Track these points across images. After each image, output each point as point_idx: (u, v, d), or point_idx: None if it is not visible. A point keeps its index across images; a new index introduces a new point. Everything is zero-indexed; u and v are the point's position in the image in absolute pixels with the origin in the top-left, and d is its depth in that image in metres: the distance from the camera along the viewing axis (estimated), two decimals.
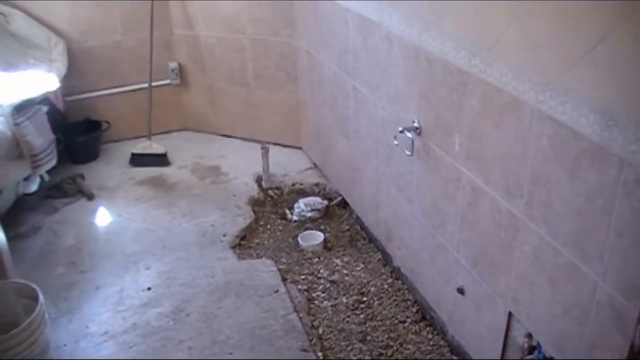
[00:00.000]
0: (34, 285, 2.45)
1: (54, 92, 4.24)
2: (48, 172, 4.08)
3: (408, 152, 3.01)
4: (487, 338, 2.69)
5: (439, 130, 2.75)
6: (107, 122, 5.03)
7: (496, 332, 2.60)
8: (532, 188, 2.16)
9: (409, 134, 2.96)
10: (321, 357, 2.98)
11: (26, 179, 3.83)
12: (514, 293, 2.40)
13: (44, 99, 4.04)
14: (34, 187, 3.93)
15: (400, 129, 2.98)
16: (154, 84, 4.96)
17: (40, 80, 4.12)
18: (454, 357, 3.01)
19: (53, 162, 3.88)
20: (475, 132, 2.45)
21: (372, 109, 3.43)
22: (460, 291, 2.82)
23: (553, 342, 2.22)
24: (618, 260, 1.84)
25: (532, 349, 2.44)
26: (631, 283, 1.81)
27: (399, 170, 3.24)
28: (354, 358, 3.03)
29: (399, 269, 3.54)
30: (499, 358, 2.63)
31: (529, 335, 2.42)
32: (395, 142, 3.10)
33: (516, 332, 2.50)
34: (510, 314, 2.49)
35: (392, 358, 3.04)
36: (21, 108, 3.61)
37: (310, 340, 3.06)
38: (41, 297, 2.40)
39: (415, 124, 2.94)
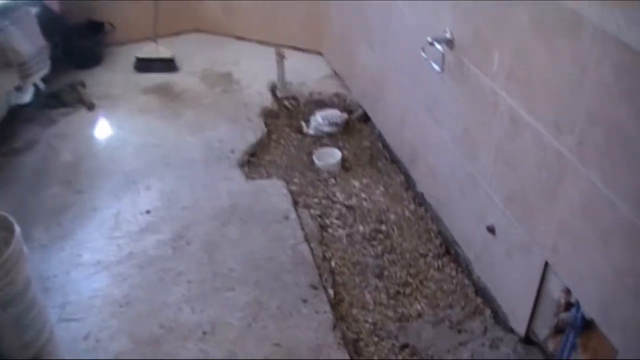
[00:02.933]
0: (10, 218, 2.16)
1: None
2: (45, 79, 3.73)
3: (437, 68, 2.61)
4: (518, 285, 2.37)
5: (475, 44, 2.33)
6: (111, 24, 4.59)
7: (529, 281, 2.28)
8: (587, 126, 1.77)
9: (439, 46, 2.54)
10: (332, 295, 2.70)
11: (18, 88, 3.48)
12: (554, 243, 2.06)
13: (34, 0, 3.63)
14: (27, 97, 3.58)
15: (429, 39, 2.55)
16: None
17: None
18: (479, 299, 2.71)
19: (45, 70, 3.53)
20: (521, 52, 2.04)
21: (400, 17, 2.99)
22: (491, 230, 2.48)
23: (598, 306, 1.89)
24: None
25: (569, 306, 2.13)
26: None
27: (428, 88, 2.84)
28: (369, 296, 2.75)
29: (422, 195, 3.20)
30: (530, 309, 2.32)
31: (567, 291, 2.10)
32: (424, 55, 2.69)
33: (552, 285, 2.18)
34: (546, 264, 2.16)
35: (411, 296, 2.75)
36: (4, 11, 3.22)
37: (321, 276, 2.77)
38: (18, 231, 2.11)
39: (448, 35, 2.52)
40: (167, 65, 4.44)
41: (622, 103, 1.61)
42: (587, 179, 1.82)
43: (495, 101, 2.26)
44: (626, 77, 1.58)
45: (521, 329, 2.42)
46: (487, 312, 2.64)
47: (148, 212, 3.14)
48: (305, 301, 2.63)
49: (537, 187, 2.09)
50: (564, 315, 2.13)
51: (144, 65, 4.43)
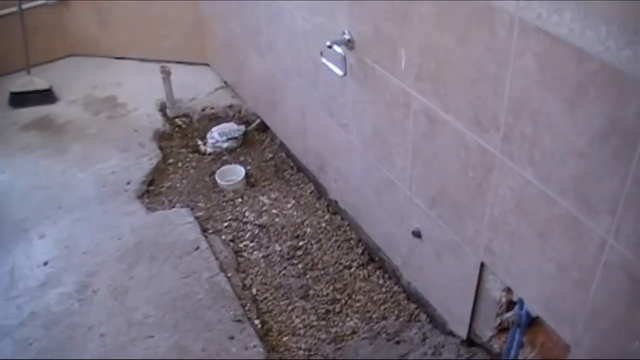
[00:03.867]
0: None
1: None
2: None
3: (339, 71, 2.47)
4: (454, 287, 2.28)
5: (377, 43, 2.21)
6: None
7: (465, 283, 2.19)
8: (512, 120, 1.68)
9: (338, 49, 2.40)
10: (259, 326, 2.52)
11: None
12: (488, 243, 1.97)
13: None
14: None
15: (328, 43, 2.40)
16: (25, 5, 4.10)
17: None
18: (413, 305, 2.61)
19: None
20: (430, 48, 1.92)
21: (290, 20, 2.82)
22: (417, 234, 2.38)
23: (543, 303, 1.81)
24: (638, 216, 1.40)
25: (511, 304, 2.05)
26: None
27: (329, 92, 2.69)
28: (297, 320, 2.59)
29: (336, 202, 3.06)
30: (469, 310, 2.23)
31: (508, 290, 2.02)
32: (323, 60, 2.54)
33: (490, 285, 2.10)
34: (482, 264, 2.06)
35: (341, 313, 2.61)
36: None
37: (244, 307, 2.58)
38: None
39: (346, 36, 2.38)
40: (45, 96, 4.05)
41: (548, 92, 1.52)
42: (517, 174, 1.73)
43: (406, 101, 2.14)
44: (551, 66, 1.48)
45: (462, 331, 2.33)
46: (423, 317, 2.54)
47: (45, 263, 2.83)
48: (232, 338, 2.44)
49: (464, 187, 1.99)
50: (507, 314, 2.04)
51: (19, 99, 4.02)
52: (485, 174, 1.86)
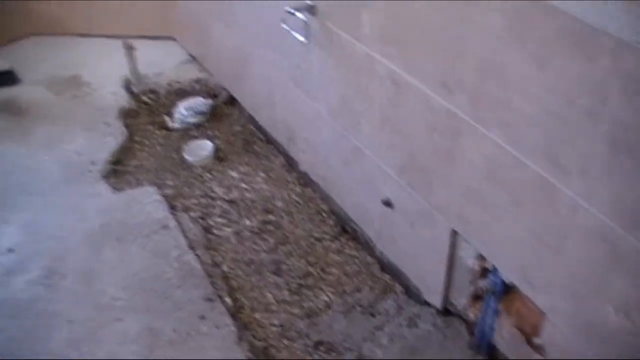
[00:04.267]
0: None
1: None
2: None
3: (302, 38, 2.38)
4: (427, 256, 2.23)
5: (340, 8, 2.12)
6: None
7: (437, 251, 2.14)
8: (478, 81, 1.61)
9: (300, 15, 2.31)
10: (230, 304, 2.45)
11: None
12: (460, 210, 1.91)
13: None
14: None
15: (288, 8, 2.31)
16: None
17: None
18: (387, 276, 2.56)
19: None
20: (392, 9, 1.84)
21: None
22: (387, 204, 2.31)
23: (518, 270, 1.77)
24: (609, 176, 1.34)
25: (485, 272, 2.00)
26: (631, 207, 1.33)
27: (294, 61, 2.60)
28: (270, 296, 2.52)
29: (307, 174, 2.99)
30: (443, 279, 2.19)
31: (481, 257, 1.97)
32: (285, 27, 2.45)
33: (464, 253, 2.05)
34: (454, 232, 2.01)
35: (314, 287, 2.55)
36: None
37: (214, 284, 2.51)
38: None
39: (308, 1, 2.29)
40: (6, 78, 3.89)
41: (515, 51, 1.45)
42: (487, 139, 1.67)
43: (371, 66, 2.06)
44: (518, 23, 1.41)
45: (437, 300, 2.29)
46: (398, 288, 2.49)
47: (11, 250, 2.72)
48: (202, 317, 2.37)
49: (432, 153, 1.92)
50: (481, 282, 2.00)
51: None
52: (453, 139, 1.80)
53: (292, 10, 2.29)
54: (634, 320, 1.43)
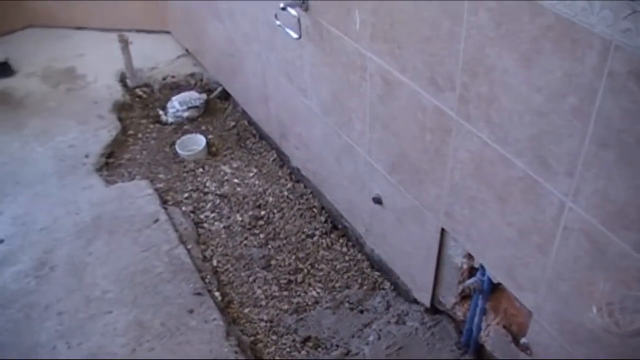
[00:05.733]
0: None
1: None
2: None
3: (294, 34, 2.37)
4: (416, 254, 2.23)
5: (332, 4, 2.11)
6: None
7: (426, 249, 2.14)
8: (467, 79, 1.60)
9: (292, 11, 2.30)
10: (219, 299, 2.45)
11: None
12: (448, 208, 1.91)
13: None
14: None
15: (281, 5, 2.30)
16: None
17: None
18: (376, 273, 2.56)
19: None
20: (383, 7, 1.83)
21: None
22: (378, 201, 2.31)
23: (504, 269, 1.77)
24: (596, 175, 1.34)
25: (472, 270, 2.00)
26: (617, 207, 1.33)
27: (287, 57, 2.60)
28: (259, 291, 2.53)
29: (298, 170, 2.99)
30: (432, 277, 2.19)
31: (469, 256, 1.97)
32: (278, 23, 2.44)
33: (452, 251, 2.05)
34: (443, 230, 2.01)
35: (304, 283, 2.55)
36: None
37: (204, 279, 2.51)
38: None
39: None
40: (1, 69, 3.89)
41: (503, 49, 1.45)
42: (474, 136, 1.66)
43: (362, 63, 2.06)
44: (505, 21, 1.41)
45: (425, 298, 2.29)
46: (387, 285, 2.50)
47: (1, 241, 2.73)
48: (191, 312, 2.37)
49: (422, 150, 1.92)
50: (468, 281, 1.99)
51: None
52: (443, 137, 1.79)
53: (285, 6, 2.28)
54: (618, 321, 1.43)
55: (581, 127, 1.32)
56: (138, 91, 3.76)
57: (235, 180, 3.06)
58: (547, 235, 1.55)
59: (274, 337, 2.36)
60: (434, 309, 2.29)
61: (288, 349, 2.31)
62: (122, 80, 3.80)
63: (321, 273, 2.59)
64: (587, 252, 1.45)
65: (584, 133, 1.32)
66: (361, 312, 2.41)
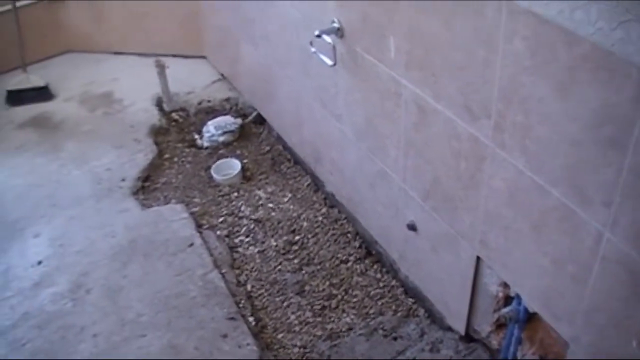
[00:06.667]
0: None
1: None
2: None
3: (329, 61, 2.39)
4: (451, 282, 2.21)
5: (367, 32, 2.13)
6: None
7: (461, 277, 2.12)
8: (502, 107, 1.60)
9: (328, 38, 2.33)
10: (253, 324, 2.46)
11: None
12: (483, 236, 1.90)
13: None
14: None
15: (316, 32, 2.33)
16: (19, 3, 4.03)
17: None
18: (410, 300, 2.54)
19: None
20: (417, 34, 1.85)
21: (282, 9, 2.75)
22: (412, 227, 2.30)
23: (540, 298, 1.74)
24: (635, 208, 1.32)
25: (508, 299, 1.97)
26: None
27: (321, 83, 2.62)
28: (293, 317, 2.53)
29: (333, 195, 2.99)
30: (467, 305, 2.17)
31: (505, 284, 1.95)
32: (313, 50, 2.47)
33: (487, 279, 2.02)
34: (478, 257, 1.99)
35: (337, 309, 2.54)
36: None
37: (238, 304, 2.52)
38: None
39: (336, 24, 2.30)
40: (41, 93, 3.99)
41: (539, 78, 1.44)
42: (509, 165, 1.65)
43: (397, 90, 2.06)
44: (541, 50, 1.41)
45: (460, 326, 2.26)
46: (421, 312, 2.48)
47: (39, 262, 2.78)
48: (225, 336, 2.38)
49: (456, 178, 1.91)
50: (504, 310, 1.97)
51: (16, 97, 3.96)
52: (477, 165, 1.79)
53: (320, 33, 2.31)
54: None
55: (618, 157, 1.31)
56: (174, 115, 3.81)
57: (270, 205, 3.08)
58: (583, 266, 1.53)
59: None
60: (469, 337, 2.27)
61: None
62: (159, 104, 3.87)
63: (355, 299, 2.58)
64: (625, 283, 1.42)
65: (621, 163, 1.31)
66: (395, 339, 2.39)
